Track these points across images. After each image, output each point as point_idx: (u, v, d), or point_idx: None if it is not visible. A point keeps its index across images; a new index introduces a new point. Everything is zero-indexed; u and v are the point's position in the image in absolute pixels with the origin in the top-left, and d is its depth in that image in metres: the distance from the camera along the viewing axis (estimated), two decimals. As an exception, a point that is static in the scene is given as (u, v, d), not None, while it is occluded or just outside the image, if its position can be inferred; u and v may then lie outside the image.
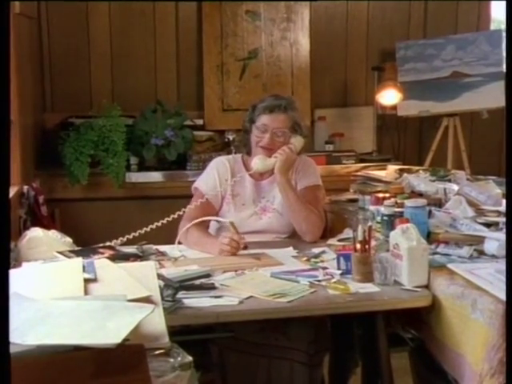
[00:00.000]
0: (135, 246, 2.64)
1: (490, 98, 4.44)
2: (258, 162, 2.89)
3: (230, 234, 2.61)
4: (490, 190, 2.89)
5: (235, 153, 3.26)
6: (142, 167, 4.24)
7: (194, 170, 4.16)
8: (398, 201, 2.70)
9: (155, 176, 4.18)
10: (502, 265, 2.13)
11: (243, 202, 2.98)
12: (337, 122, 4.84)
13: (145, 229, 2.65)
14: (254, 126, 2.93)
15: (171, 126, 4.24)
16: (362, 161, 4.53)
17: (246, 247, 2.64)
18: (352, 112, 4.90)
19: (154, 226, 2.66)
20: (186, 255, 2.67)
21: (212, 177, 2.99)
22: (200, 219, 2.77)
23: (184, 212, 2.80)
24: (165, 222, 2.68)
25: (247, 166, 3.00)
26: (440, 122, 4.69)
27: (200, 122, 4.60)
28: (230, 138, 4.37)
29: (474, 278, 2.12)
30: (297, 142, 2.93)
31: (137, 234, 2.65)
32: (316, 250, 2.68)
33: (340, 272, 2.36)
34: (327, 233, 3.02)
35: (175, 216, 2.72)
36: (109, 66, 4.55)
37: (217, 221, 2.94)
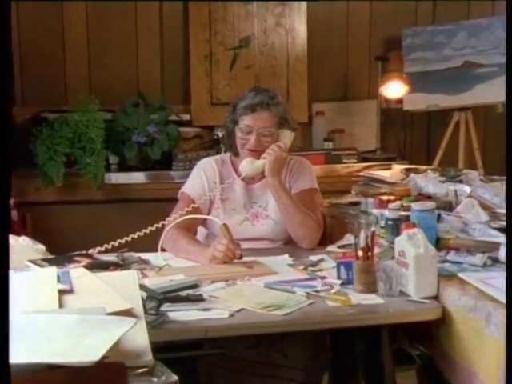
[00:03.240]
0: (115, 254, 2.64)
1: (506, 90, 4.45)
2: (245, 165, 2.90)
3: (226, 241, 2.60)
4: (506, 192, 2.89)
5: (225, 151, 3.25)
6: (123, 167, 4.24)
7: (180, 170, 4.17)
8: (404, 204, 2.70)
9: (137, 177, 4.19)
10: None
11: (233, 207, 2.99)
12: (337, 117, 4.85)
13: (126, 238, 2.65)
14: (237, 128, 2.94)
15: (155, 121, 4.24)
16: (364, 160, 4.55)
17: (241, 257, 2.63)
18: (353, 106, 4.91)
19: (135, 236, 2.65)
20: (171, 264, 2.67)
21: (199, 181, 3.00)
22: (182, 218, 2.76)
23: (168, 219, 2.80)
24: (147, 231, 2.68)
25: (236, 167, 3.01)
26: (450, 117, 4.70)
27: (186, 117, 4.61)
28: (220, 134, 4.31)
29: (487, 288, 2.11)
30: (286, 137, 2.94)
31: (116, 244, 2.66)
32: (314, 258, 2.68)
33: (340, 282, 2.36)
34: (326, 239, 3.03)
35: (159, 226, 2.72)
36: (85, 54, 4.55)
37: (205, 226, 2.94)
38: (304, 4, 4.76)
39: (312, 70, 4.80)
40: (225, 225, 2.67)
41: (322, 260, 2.66)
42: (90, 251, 2.65)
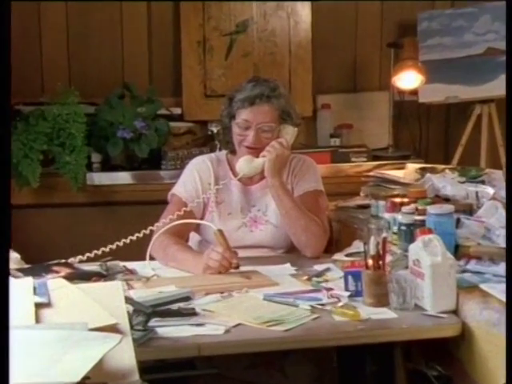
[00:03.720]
0: (98, 263, 2.64)
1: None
2: (243, 164, 2.90)
3: (222, 249, 2.61)
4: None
5: (220, 149, 3.33)
6: (106, 166, 4.25)
7: (171, 169, 4.17)
8: (419, 207, 2.70)
9: (122, 177, 4.20)
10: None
11: (229, 211, 3.00)
12: (344, 110, 4.86)
13: (110, 246, 2.65)
14: (233, 123, 2.94)
15: (142, 115, 4.24)
16: (374, 158, 4.56)
17: (237, 267, 2.64)
18: (363, 98, 4.91)
19: (121, 243, 2.66)
20: (161, 274, 2.67)
21: (192, 181, 3.01)
22: (173, 223, 2.78)
23: (157, 224, 2.81)
24: (134, 238, 2.68)
25: (233, 166, 3.01)
26: (471, 111, 4.70)
27: (177, 110, 4.61)
28: (214, 130, 4.31)
29: (512, 301, 2.05)
30: (288, 133, 2.94)
31: (99, 252, 2.66)
32: (319, 267, 2.69)
33: (348, 294, 2.37)
34: (332, 246, 3.04)
35: (147, 232, 2.72)
36: (64, 41, 4.55)
37: (198, 232, 2.96)
38: (308, -16, 4.77)
39: (317, 59, 4.79)
40: (220, 230, 2.67)
41: (327, 270, 2.66)
42: (70, 260, 2.65)
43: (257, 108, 2.88)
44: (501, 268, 2.36)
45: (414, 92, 4.70)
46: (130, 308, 2.06)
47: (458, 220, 2.62)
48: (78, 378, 1.46)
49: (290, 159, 3.01)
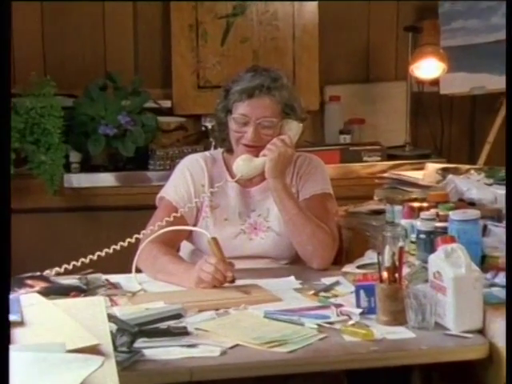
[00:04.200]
0: (77, 276, 2.65)
1: None
2: (241, 164, 2.90)
3: (215, 260, 2.60)
4: None
5: (215, 147, 3.34)
6: (87, 166, 4.24)
7: (159, 170, 4.18)
8: (441, 212, 2.70)
9: (105, 179, 4.20)
10: None
11: (226, 217, 2.99)
12: (356, 103, 4.87)
13: (90, 257, 2.65)
14: (230, 118, 2.94)
15: (127, 109, 4.25)
16: (390, 157, 4.57)
17: (233, 280, 2.64)
18: (377, 90, 4.92)
19: (103, 254, 2.65)
20: (148, 288, 2.67)
21: (184, 183, 3.00)
22: (162, 230, 2.77)
23: (144, 232, 2.80)
24: (118, 247, 2.67)
25: (230, 167, 3.01)
26: (500, 103, 4.69)
27: (167, 103, 4.61)
28: (209, 126, 4.30)
29: (547, 319, 2.08)
30: (291, 130, 2.93)
31: (79, 264, 2.65)
32: (327, 281, 2.69)
33: (360, 311, 2.36)
34: (342, 257, 3.05)
35: (132, 240, 2.72)
36: (38, 24, 4.54)
37: (190, 241, 2.96)
38: (315, -39, 4.77)
39: (325, 45, 4.79)
40: (214, 239, 2.67)
41: (336, 283, 2.67)
42: (46, 273, 2.65)
43: (256, 101, 2.88)
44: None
45: (435, 82, 4.72)
46: (114, 327, 2.05)
47: (485, 227, 2.62)
48: (56, 405, 1.47)
49: (294, 158, 3.01)
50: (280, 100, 2.90)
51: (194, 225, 2.96)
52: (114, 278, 2.72)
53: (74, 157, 4.22)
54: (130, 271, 2.77)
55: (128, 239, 2.70)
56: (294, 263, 2.98)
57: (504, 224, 2.68)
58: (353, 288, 2.46)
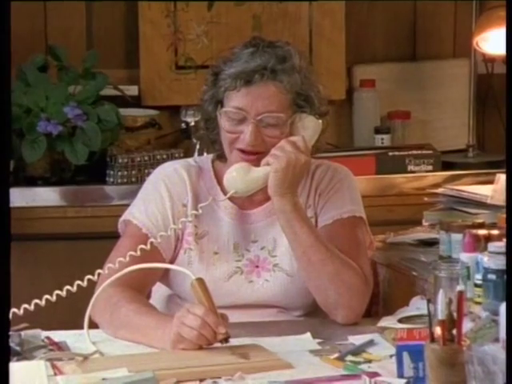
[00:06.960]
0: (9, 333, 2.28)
1: None
2: (234, 176, 2.59)
3: (202, 311, 2.30)
4: None
5: (201, 152, 3.15)
6: (21, 178, 3.92)
7: (121, 184, 3.87)
8: (517, 244, 2.49)
9: (45, 195, 3.86)
10: None
11: (216, 250, 2.70)
12: (397, 90, 4.52)
13: (25, 306, 2.31)
14: (221, 112, 2.61)
15: (76, 98, 3.89)
16: (446, 166, 4.24)
17: (227, 339, 2.34)
18: (427, 71, 4.55)
19: (42, 303, 2.33)
20: (106, 350, 2.42)
21: (157, 201, 2.72)
22: (127, 269, 2.44)
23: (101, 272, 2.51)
24: (63, 293, 2.35)
25: (222, 179, 2.68)
26: None
27: (132, 90, 4.22)
28: (191, 121, 3.98)
29: None
30: (307, 128, 2.63)
31: (10, 316, 2.24)
32: (356, 340, 2.45)
33: (404, 382, 2.13)
34: (378, 306, 2.90)
35: (83, 284, 2.36)
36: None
37: (166, 283, 2.70)
38: None
39: (353, 11, 4.39)
40: (200, 280, 2.38)
41: (370, 343, 2.42)
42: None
43: (256, 89, 2.56)
44: None
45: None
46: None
47: None
48: None
49: (310, 169, 2.71)
50: (290, 88, 2.59)
51: (172, 261, 2.68)
52: (58, 335, 2.48)
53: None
54: (80, 327, 2.49)
55: (78, 281, 2.39)
56: (311, 315, 2.71)
57: None
58: (393, 350, 2.24)
